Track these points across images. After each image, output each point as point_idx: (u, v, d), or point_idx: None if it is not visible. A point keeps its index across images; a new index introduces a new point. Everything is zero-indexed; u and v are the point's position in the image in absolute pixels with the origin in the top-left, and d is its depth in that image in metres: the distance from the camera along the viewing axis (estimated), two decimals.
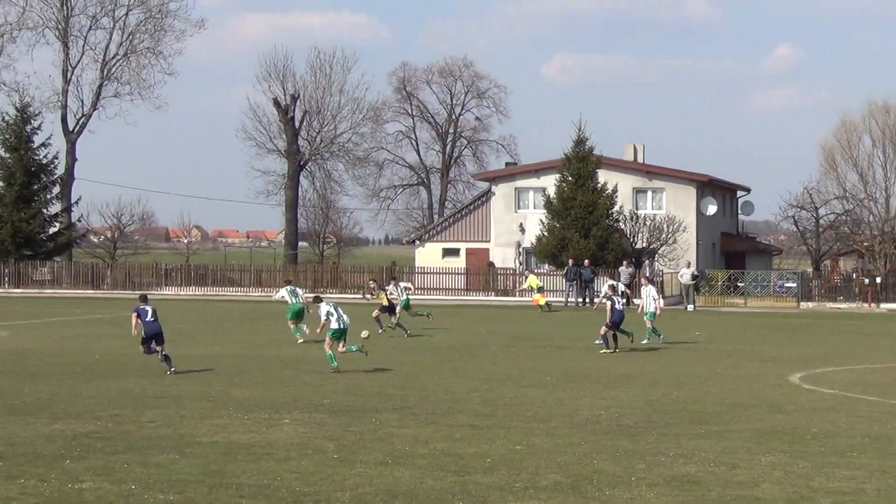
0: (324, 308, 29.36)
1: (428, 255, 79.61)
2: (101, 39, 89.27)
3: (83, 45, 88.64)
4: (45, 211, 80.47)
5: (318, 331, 30.26)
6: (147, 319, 27.89)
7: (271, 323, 44.27)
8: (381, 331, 39.68)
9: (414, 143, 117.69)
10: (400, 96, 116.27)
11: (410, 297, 43.28)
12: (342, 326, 28.92)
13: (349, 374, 27.68)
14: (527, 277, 63.35)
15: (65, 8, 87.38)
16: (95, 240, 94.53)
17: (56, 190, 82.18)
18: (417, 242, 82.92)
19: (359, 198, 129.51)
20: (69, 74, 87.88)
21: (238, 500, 13.74)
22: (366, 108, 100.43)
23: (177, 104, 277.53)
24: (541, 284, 59.81)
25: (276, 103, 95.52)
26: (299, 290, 39.42)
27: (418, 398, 23.26)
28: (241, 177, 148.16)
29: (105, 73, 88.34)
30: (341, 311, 29.27)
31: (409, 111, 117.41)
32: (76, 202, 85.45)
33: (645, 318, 37.16)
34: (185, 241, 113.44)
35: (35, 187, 79.36)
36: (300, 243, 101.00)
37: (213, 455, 16.48)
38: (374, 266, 77.79)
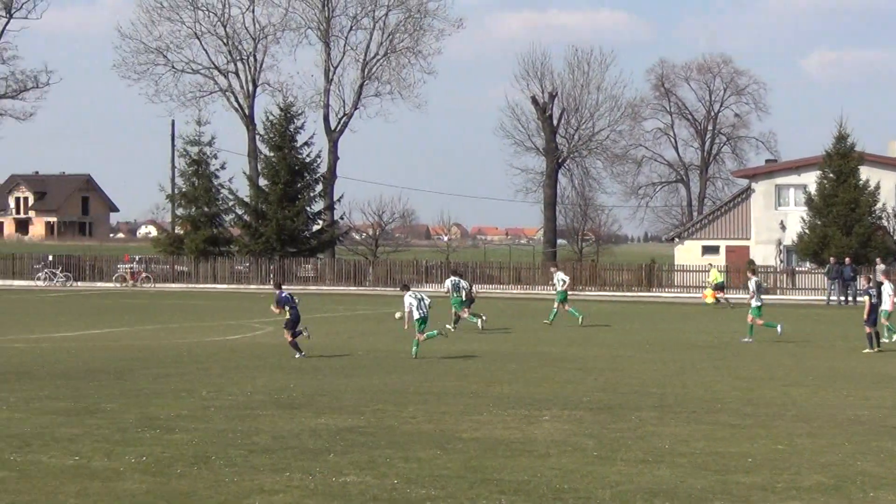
0: (407, 300, 30.68)
1: (687, 253, 78.83)
2: (362, 39, 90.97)
3: (344, 46, 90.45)
4: (308, 209, 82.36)
5: (405, 326, 31.03)
6: (294, 305, 30.70)
7: (530, 321, 44.33)
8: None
9: (672, 139, 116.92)
10: (658, 93, 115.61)
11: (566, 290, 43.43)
12: (423, 314, 30.42)
13: (608, 371, 27.54)
14: (710, 272, 62.26)
15: (326, 9, 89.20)
16: (357, 237, 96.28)
17: (319, 188, 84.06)
18: (677, 240, 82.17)
19: (617, 195, 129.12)
20: (331, 74, 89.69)
21: (498, 496, 13.76)
22: (624, 105, 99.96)
23: (436, 102, 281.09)
24: (721, 281, 58.90)
25: (535, 101, 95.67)
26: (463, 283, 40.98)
27: (678, 396, 22.98)
28: (500, 174, 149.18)
29: (366, 72, 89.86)
30: (425, 301, 30.67)
31: (668, 108, 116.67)
32: (338, 200, 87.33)
33: (882, 316, 36.17)
34: (445, 238, 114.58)
35: (298, 185, 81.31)
36: (559, 241, 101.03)
37: (473, 451, 16.56)
38: (632, 264, 77.35)
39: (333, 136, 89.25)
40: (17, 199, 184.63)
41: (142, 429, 17.84)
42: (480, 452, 16.43)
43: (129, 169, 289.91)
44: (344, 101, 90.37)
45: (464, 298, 40.68)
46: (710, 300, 56.50)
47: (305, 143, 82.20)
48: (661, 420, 19.63)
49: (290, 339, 30.56)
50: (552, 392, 23.55)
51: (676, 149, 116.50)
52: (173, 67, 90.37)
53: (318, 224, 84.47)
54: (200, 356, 30.28)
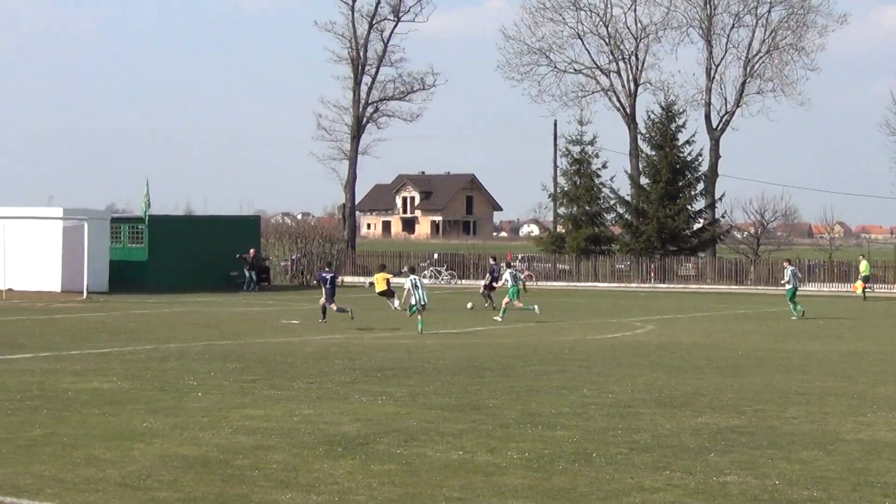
0: (408, 282, 36.58)
1: None
2: (744, 37, 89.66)
3: (726, 43, 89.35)
4: (689, 207, 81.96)
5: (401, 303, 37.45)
6: (328, 285, 38.21)
7: None
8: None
9: None
10: None
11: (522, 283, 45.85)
12: (423, 302, 35.93)
13: None
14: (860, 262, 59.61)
15: (708, 7, 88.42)
16: (738, 235, 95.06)
17: (700, 187, 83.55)
18: None
19: None
20: (712, 72, 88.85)
21: (882, 499, 13.44)
22: None
23: (819, 99, 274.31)
24: (867, 274, 56.28)
25: None
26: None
27: None
28: (885, 171, 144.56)
29: (748, 70, 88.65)
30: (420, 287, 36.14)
31: None
32: (720, 198, 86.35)
33: None
34: (828, 237, 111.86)
35: (679, 184, 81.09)
36: None
37: (856, 453, 16.21)
38: None
39: (715, 134, 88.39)
40: (404, 199, 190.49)
41: (524, 425, 18.18)
42: (864, 454, 16.07)
43: (512, 168, 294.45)
44: (726, 99, 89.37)
45: (519, 287, 44.09)
46: (860, 290, 54.83)
47: (687, 142, 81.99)
48: None
49: (323, 302, 38.38)
50: None
51: None
52: (556, 68, 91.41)
53: (699, 222, 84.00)
54: (581, 354, 30.58)
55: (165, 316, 42.68)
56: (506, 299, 43.58)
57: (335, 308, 38.43)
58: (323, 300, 38.70)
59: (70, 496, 13.07)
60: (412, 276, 37.70)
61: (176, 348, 30.42)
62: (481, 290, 51.00)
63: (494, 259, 56.52)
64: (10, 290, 52.76)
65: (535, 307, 43.36)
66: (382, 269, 46.72)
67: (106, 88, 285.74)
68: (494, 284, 49.42)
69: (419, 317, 36.01)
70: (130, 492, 13.30)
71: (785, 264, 49.42)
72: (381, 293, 43.97)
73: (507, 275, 44.71)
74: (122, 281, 57.55)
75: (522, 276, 47.01)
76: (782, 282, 49.19)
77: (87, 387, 22.17)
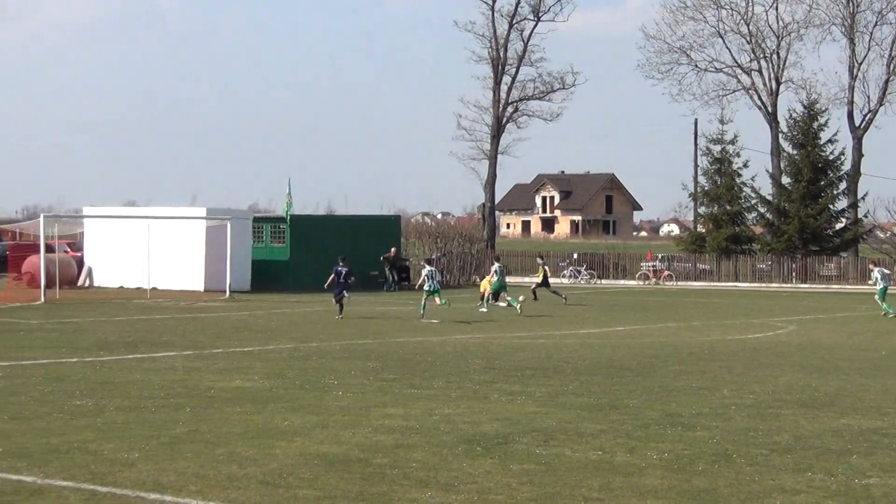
0: (425, 270, 42.25)
1: None
2: (887, 35, 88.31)
3: (869, 41, 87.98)
4: (831, 207, 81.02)
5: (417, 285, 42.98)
6: (340, 280, 40.91)
7: None
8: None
9: None
10: None
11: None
12: (431, 288, 41.41)
13: None
14: None
15: (850, 4, 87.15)
16: (881, 235, 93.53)
17: (842, 186, 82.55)
18: None
19: None
20: (855, 71, 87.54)
21: None
22: None
23: None
24: None
25: None
26: None
27: None
28: None
29: (891, 68, 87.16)
30: (435, 277, 41.85)
31: None
32: (862, 198, 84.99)
33: None
34: None
35: (821, 183, 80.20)
36: None
37: None
38: None
39: (858, 132, 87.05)
40: (544, 199, 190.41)
41: (663, 425, 18.10)
42: None
43: (652, 168, 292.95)
44: (868, 98, 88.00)
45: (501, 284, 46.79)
46: None
47: (829, 141, 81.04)
48: None
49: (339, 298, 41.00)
50: None
51: None
52: (696, 66, 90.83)
53: (841, 222, 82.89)
54: (721, 354, 30.33)
55: (306, 315, 43.17)
56: (486, 290, 46.85)
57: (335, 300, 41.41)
58: (336, 296, 41.25)
59: (212, 493, 13.28)
60: (428, 268, 42.46)
61: (316, 347, 30.75)
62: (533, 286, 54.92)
63: (542, 258, 57.21)
64: (154, 288, 53.74)
65: (518, 305, 44.81)
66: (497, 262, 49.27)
67: (250, 90, 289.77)
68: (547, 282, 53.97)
69: (424, 300, 41.06)
70: (271, 489, 13.48)
71: (871, 266, 52.86)
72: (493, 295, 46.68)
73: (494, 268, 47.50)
74: (264, 280, 58.32)
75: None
76: (869, 282, 51.84)
77: (229, 385, 22.52)
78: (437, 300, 41.45)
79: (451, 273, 71.33)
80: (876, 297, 48.69)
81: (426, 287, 41.54)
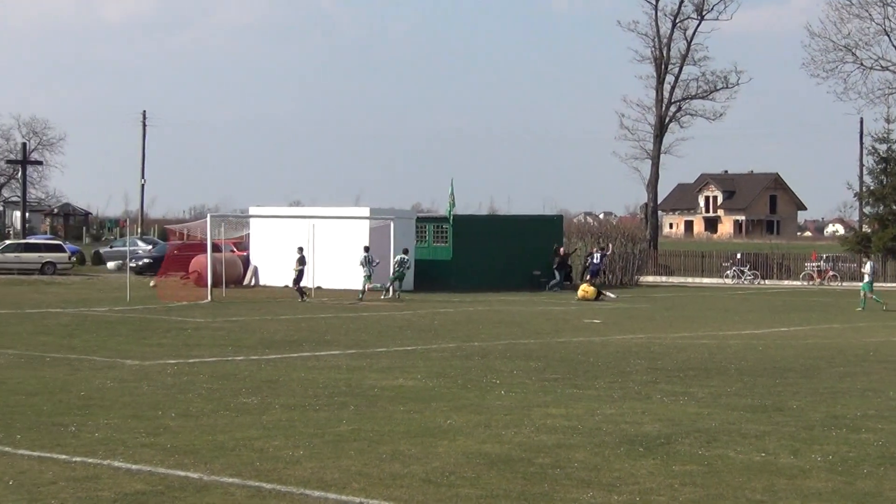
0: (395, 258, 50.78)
1: None
2: None
3: None
4: None
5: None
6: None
7: None
8: None
9: None
10: None
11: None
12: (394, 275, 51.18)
13: None
14: None
15: None
16: None
17: None
18: None
19: None
20: None
21: None
22: None
23: None
24: None
25: None
26: None
27: None
28: None
29: None
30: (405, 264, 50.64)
31: None
32: None
33: None
34: None
35: None
36: None
37: None
38: None
39: None
40: (707, 198, 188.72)
41: (828, 427, 17.89)
42: None
43: (817, 167, 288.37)
44: None
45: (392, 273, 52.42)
46: None
47: None
48: None
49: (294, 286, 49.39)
50: None
51: None
52: (862, 65, 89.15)
53: None
54: (887, 356, 29.82)
55: (469, 314, 43.35)
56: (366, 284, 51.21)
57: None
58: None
59: (375, 491, 13.46)
60: (400, 256, 51.38)
61: (479, 347, 30.89)
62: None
63: (592, 253, 60.67)
64: (318, 288, 54.41)
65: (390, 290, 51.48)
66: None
67: (413, 91, 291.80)
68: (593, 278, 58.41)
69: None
70: (434, 488, 13.62)
71: (864, 260, 57.94)
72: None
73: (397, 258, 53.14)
74: (427, 279, 58.65)
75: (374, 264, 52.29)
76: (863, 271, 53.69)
77: (392, 384, 22.75)
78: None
79: (613, 273, 70.99)
80: (861, 287, 50.78)
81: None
